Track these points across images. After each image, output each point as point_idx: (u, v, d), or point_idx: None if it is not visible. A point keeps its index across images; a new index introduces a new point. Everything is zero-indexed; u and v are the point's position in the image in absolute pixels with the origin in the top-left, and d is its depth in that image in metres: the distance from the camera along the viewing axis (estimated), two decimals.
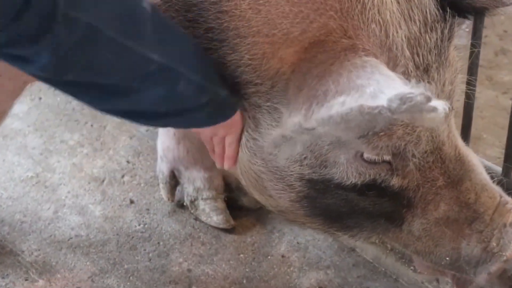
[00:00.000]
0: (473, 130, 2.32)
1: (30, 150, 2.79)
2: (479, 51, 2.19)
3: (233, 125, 1.77)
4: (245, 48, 1.65)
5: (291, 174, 1.77)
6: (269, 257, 2.44)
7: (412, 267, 2.17)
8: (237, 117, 1.75)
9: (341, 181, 1.74)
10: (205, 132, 1.83)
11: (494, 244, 1.80)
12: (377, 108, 1.40)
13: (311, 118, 1.52)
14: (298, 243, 2.47)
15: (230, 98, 1.70)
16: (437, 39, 1.70)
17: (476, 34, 2.15)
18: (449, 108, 1.45)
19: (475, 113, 2.33)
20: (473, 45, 2.13)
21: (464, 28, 2.75)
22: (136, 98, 1.60)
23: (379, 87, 1.45)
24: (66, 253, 2.46)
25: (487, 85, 2.92)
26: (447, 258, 1.84)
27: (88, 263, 2.43)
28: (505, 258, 1.80)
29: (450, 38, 1.74)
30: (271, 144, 1.74)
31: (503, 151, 2.34)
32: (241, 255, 2.45)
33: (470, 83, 2.23)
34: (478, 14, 1.89)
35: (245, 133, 1.78)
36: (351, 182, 1.73)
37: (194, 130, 1.89)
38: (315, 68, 1.59)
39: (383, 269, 2.38)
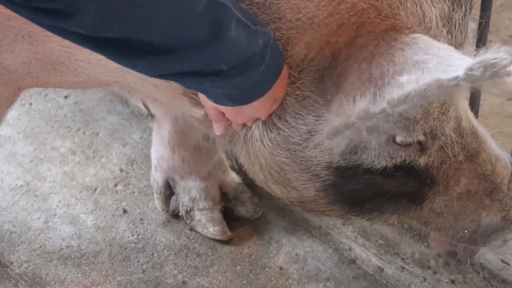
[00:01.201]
0: None
1: (19, 157, 2.77)
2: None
3: (286, 80, 1.69)
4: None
5: (318, 163, 1.76)
6: (266, 269, 2.42)
7: (425, 243, 2.19)
8: (285, 69, 1.67)
9: (371, 166, 1.75)
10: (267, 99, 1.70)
11: None
12: (455, 80, 1.39)
13: (380, 102, 1.49)
14: (296, 254, 2.46)
15: (278, 42, 1.62)
16: (463, 15, 1.72)
17: (481, 40, 2.13)
18: None
19: (480, 120, 2.31)
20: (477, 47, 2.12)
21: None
22: (188, 55, 1.50)
23: (443, 60, 1.45)
24: (57, 264, 2.44)
25: (492, 92, 2.90)
26: (466, 231, 1.89)
27: (79, 275, 2.41)
28: None
29: (470, 12, 1.76)
30: (306, 136, 1.72)
31: (509, 159, 2.31)
32: (238, 267, 2.43)
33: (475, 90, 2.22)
34: None
35: (265, 124, 1.75)
36: (381, 166, 1.74)
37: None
38: (358, 53, 1.57)
39: (384, 281, 2.38)
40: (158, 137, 2.50)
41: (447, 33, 1.68)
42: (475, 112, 2.25)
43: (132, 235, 2.52)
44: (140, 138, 2.82)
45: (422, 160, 1.77)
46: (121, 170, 2.72)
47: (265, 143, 1.78)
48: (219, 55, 1.52)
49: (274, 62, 1.60)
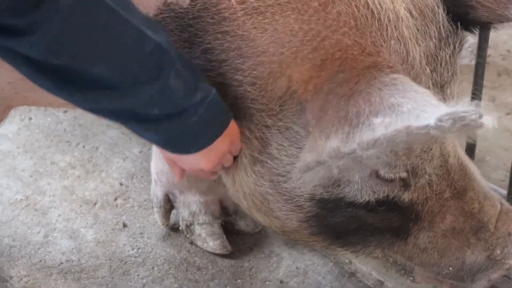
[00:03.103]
0: (477, 152, 2.29)
1: (19, 172, 2.77)
2: (483, 72, 2.17)
3: (235, 138, 1.71)
4: (250, 67, 1.62)
5: (301, 195, 1.76)
6: (267, 282, 2.41)
7: (411, 278, 2.17)
8: (236, 128, 1.70)
9: (354, 199, 1.74)
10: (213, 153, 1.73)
11: (498, 252, 1.84)
12: (425, 128, 1.38)
13: (352, 142, 1.48)
14: (297, 268, 2.45)
15: (222, 101, 1.64)
16: (450, 54, 1.71)
17: (480, 53, 2.13)
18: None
19: (478, 135, 2.31)
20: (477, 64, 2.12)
21: (466, 48, 2.73)
22: (128, 92, 1.52)
23: (418, 105, 1.43)
24: (57, 279, 2.42)
25: (490, 106, 2.89)
26: (450, 268, 1.87)
27: None
28: (507, 266, 1.85)
29: (460, 52, 1.76)
30: (290, 168, 1.71)
31: (507, 173, 2.31)
32: (238, 280, 2.42)
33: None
34: (483, 29, 1.89)
35: (250, 156, 1.75)
36: (364, 200, 1.73)
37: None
38: (339, 88, 1.56)
39: None
40: (157, 151, 2.48)
41: (431, 71, 1.68)
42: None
43: (132, 249, 2.51)
44: (140, 152, 2.82)
45: (406, 196, 1.76)
46: (121, 184, 2.72)
47: (249, 174, 1.78)
48: (156, 98, 1.54)
49: (212, 117, 1.62)
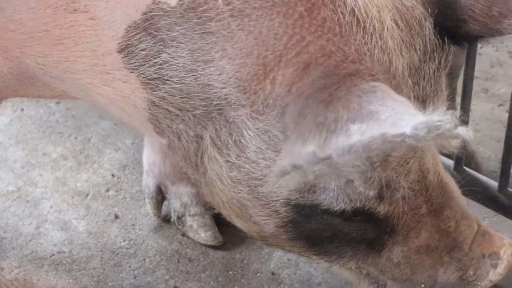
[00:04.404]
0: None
1: (11, 163, 2.76)
2: (474, 63, 2.19)
3: None
4: (234, 69, 1.62)
5: (277, 200, 1.75)
6: (258, 274, 2.41)
7: None
8: None
9: (330, 207, 1.73)
10: None
11: (471, 273, 1.84)
12: (401, 136, 1.36)
13: (328, 148, 1.46)
14: (288, 259, 2.44)
15: None
16: (435, 69, 1.70)
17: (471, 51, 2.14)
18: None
19: (471, 126, 2.32)
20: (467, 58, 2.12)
21: None
22: None
23: (395, 113, 1.42)
24: (48, 270, 2.42)
25: (482, 98, 2.91)
26: (422, 285, 1.87)
27: (70, 280, 2.39)
28: None
29: (445, 68, 1.74)
30: (266, 172, 1.70)
31: (499, 164, 2.31)
32: (230, 272, 2.42)
33: (466, 95, 2.22)
34: (473, 42, 1.90)
35: (226, 163, 1.73)
36: (339, 208, 1.72)
37: None
38: (319, 93, 1.55)
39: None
40: (149, 143, 2.49)
41: (413, 84, 1.67)
42: (466, 118, 2.25)
43: (124, 241, 2.50)
44: (132, 143, 2.81)
45: (382, 208, 1.75)
46: (113, 176, 2.71)
47: (226, 182, 1.77)
48: None
49: None
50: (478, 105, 2.81)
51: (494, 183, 2.31)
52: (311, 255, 1.89)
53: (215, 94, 1.66)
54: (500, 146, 2.30)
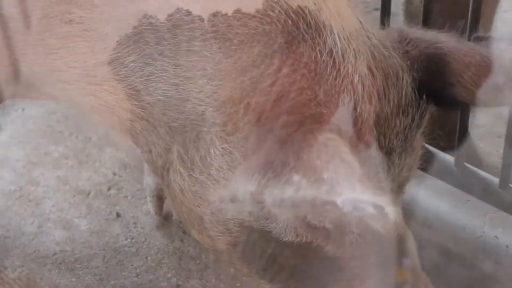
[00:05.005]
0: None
1: (13, 162, 2.77)
2: None
3: None
4: (212, 89, 1.63)
5: (232, 219, 1.74)
6: None
7: None
8: None
9: (279, 236, 1.71)
10: None
11: None
12: (329, 204, 1.38)
13: (264, 192, 1.47)
14: None
15: None
16: (407, 125, 1.69)
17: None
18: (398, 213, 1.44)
19: (472, 121, 2.31)
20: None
21: None
22: None
23: (337, 176, 1.42)
24: (51, 269, 2.43)
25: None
26: None
27: (73, 279, 2.40)
28: None
29: (419, 126, 1.72)
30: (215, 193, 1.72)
31: (501, 160, 2.30)
32: (232, 270, 2.40)
33: None
34: (456, 106, 1.88)
35: (189, 177, 1.74)
36: (287, 239, 1.70)
37: None
38: (279, 130, 1.56)
39: None
40: None
41: (379, 134, 1.64)
42: (467, 113, 2.26)
43: (126, 239, 2.51)
44: None
45: (330, 249, 1.72)
46: (114, 174, 2.72)
47: (188, 196, 1.78)
48: None
49: None
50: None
51: (495, 179, 2.30)
52: (259, 279, 1.87)
53: (193, 110, 1.67)
54: (502, 141, 2.30)
